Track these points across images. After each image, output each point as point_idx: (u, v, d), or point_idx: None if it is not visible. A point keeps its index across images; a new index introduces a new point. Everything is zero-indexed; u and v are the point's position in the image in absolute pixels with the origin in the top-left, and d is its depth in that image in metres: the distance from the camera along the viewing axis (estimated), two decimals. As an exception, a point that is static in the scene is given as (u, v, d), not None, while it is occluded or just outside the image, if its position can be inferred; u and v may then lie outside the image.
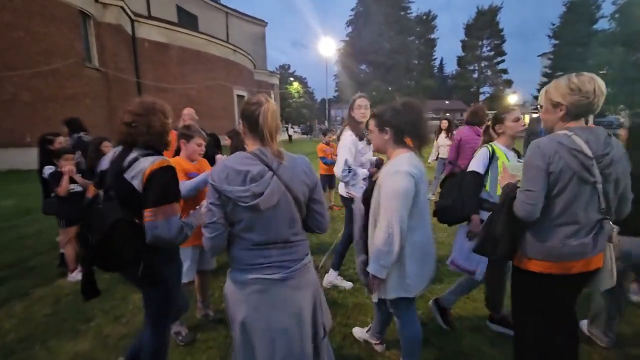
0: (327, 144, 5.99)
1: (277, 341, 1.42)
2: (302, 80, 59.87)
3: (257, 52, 28.57)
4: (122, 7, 14.35)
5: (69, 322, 2.71)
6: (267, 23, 31.21)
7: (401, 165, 1.62)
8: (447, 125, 6.55)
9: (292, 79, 54.25)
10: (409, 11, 33.53)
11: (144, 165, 1.51)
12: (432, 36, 42.89)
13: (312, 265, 1.59)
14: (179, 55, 17.69)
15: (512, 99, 38.54)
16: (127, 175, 1.52)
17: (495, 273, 2.31)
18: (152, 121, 1.57)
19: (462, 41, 45.03)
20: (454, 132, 6.32)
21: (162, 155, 1.63)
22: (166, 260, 1.68)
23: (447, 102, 45.02)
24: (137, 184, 1.50)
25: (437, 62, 48.97)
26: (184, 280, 2.39)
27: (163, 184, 1.51)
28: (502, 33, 43.05)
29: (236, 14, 27.96)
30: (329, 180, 5.97)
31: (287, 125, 28.04)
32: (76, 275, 3.38)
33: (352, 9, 32.17)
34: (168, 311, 1.77)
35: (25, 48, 10.60)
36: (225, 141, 4.29)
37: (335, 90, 38.27)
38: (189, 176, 2.38)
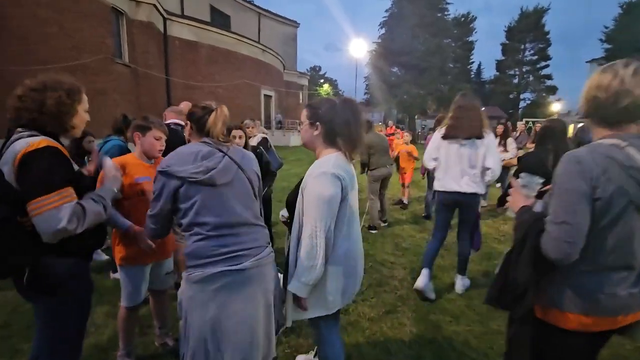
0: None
1: (245, 336, 1.36)
2: (332, 83, 59.64)
3: (288, 53, 28.50)
4: (154, 6, 14.57)
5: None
6: (299, 24, 31.12)
7: (327, 167, 1.48)
8: (502, 130, 5.66)
9: (322, 80, 54.14)
10: (446, 12, 32.19)
11: (16, 148, 1.27)
12: (470, 39, 41.11)
13: (273, 256, 1.55)
14: (208, 54, 17.82)
15: (555, 107, 36.01)
16: (0, 164, 1.29)
17: (523, 333, 1.57)
18: (47, 97, 1.33)
19: (502, 44, 42.71)
20: (512, 139, 5.69)
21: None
22: (67, 264, 1.40)
23: (483, 108, 42.23)
24: (7, 171, 1.26)
25: (474, 67, 46.85)
26: (132, 303, 1.99)
27: (40, 170, 1.25)
28: (547, 36, 40.36)
29: (268, 15, 28.06)
30: None
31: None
32: None
33: (386, 10, 31.32)
34: (69, 334, 1.46)
35: (57, 43, 10.88)
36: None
37: (365, 93, 37.58)
38: (137, 181, 1.96)
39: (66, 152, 1.38)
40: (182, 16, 17.53)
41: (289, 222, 1.78)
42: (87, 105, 1.53)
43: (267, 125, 22.66)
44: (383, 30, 31.71)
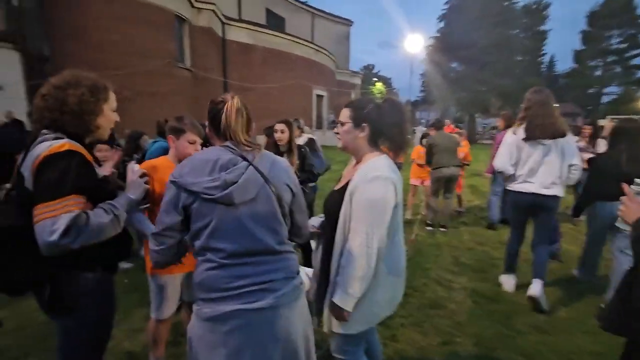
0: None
1: None
2: (386, 81, 58.14)
3: (341, 52, 28.26)
4: (214, 11, 15.28)
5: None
6: (352, 22, 30.73)
7: (380, 170, 1.41)
8: (591, 132, 4.92)
9: (375, 79, 53.05)
10: (514, 1, 29.39)
11: (37, 151, 1.17)
12: (542, 28, 37.13)
13: (304, 289, 1.29)
14: (262, 56, 18.25)
15: (649, 101, 31.15)
16: (22, 167, 1.21)
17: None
18: (68, 95, 1.23)
19: (582, 32, 37.85)
20: (603, 140, 4.90)
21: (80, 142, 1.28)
22: (83, 280, 1.27)
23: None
24: (27, 176, 1.18)
25: (546, 59, 42.27)
26: (161, 315, 1.86)
27: (56, 174, 1.14)
28: (638, 20, 34.97)
29: (322, 14, 28.09)
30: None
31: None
32: None
33: (446, 2, 29.49)
34: (80, 357, 1.35)
35: (126, 50, 11.85)
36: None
37: (421, 91, 35.84)
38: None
39: (89, 157, 1.27)
40: (240, 20, 18.17)
41: (318, 233, 1.65)
42: (114, 105, 1.42)
43: (319, 125, 22.67)
44: (442, 24, 29.94)
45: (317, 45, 22.28)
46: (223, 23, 16.58)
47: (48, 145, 1.18)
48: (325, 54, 23.10)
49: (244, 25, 17.73)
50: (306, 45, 21.13)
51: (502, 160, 3.05)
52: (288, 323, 1.16)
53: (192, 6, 14.40)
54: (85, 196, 1.20)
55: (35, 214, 1.10)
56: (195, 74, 14.67)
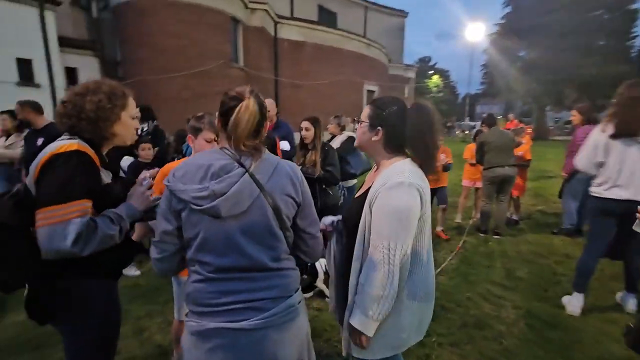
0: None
1: None
2: (443, 74, 55.04)
3: (395, 45, 27.33)
4: (266, 11, 15.66)
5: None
6: (407, 13, 29.49)
7: (404, 175, 1.23)
8: None
9: (431, 72, 50.55)
10: (597, -24, 25.75)
11: (46, 150, 1.17)
12: (634, 6, 32.16)
13: (303, 308, 1.20)
14: (312, 52, 18.31)
15: None
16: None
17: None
18: (86, 102, 1.23)
19: (686, 9, 32.14)
20: None
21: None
22: (83, 287, 1.24)
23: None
24: (30, 174, 1.17)
25: (637, 42, 36.57)
26: (183, 317, 1.86)
27: (64, 174, 1.11)
28: None
29: (375, 7, 27.34)
30: None
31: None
32: None
33: (513, -15, 26.90)
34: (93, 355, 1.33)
35: (188, 52, 12.64)
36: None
37: (482, 83, 33.26)
38: None
39: (97, 161, 1.25)
40: (291, 18, 18.42)
41: (331, 232, 1.51)
42: (133, 112, 1.40)
43: (369, 121, 22.21)
44: (508, 9, 27.39)
45: (368, 39, 21.79)
46: (275, 22, 16.93)
47: (57, 144, 1.17)
48: (377, 48, 22.51)
49: (295, 22, 17.93)
50: (357, 40, 20.76)
51: (585, 159, 2.71)
52: (278, 346, 1.05)
53: (246, 7, 14.89)
54: (92, 200, 1.18)
55: (41, 217, 1.08)
56: (248, 73, 15.18)
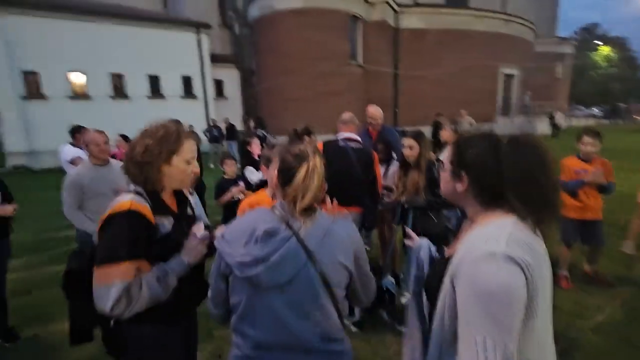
0: None
1: None
2: (618, 43, 42.77)
3: (544, 16, 22.76)
4: (387, 3, 15.12)
5: None
6: (564, -26, 24.00)
7: (497, 244, 0.81)
8: None
9: (599, 42, 39.98)
10: None
11: (109, 206, 1.21)
12: None
13: None
14: (435, 39, 16.83)
15: None
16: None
17: None
18: (137, 145, 1.24)
19: None
20: None
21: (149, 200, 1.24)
22: (137, 332, 1.26)
23: None
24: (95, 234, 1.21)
25: None
26: None
27: (112, 236, 1.14)
28: None
29: (518, -26, 23.20)
30: None
31: (551, 112, 19.90)
32: None
33: None
34: None
35: (310, 55, 13.34)
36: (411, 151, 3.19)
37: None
38: None
39: (151, 216, 1.21)
40: (414, 5, 17.30)
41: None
42: (189, 155, 1.29)
43: (505, 111, 19.16)
44: None
45: (507, 14, 18.65)
46: (396, 12, 16.20)
47: (116, 201, 1.19)
48: (519, 23, 19.09)
49: (418, 9, 16.77)
50: (492, 18, 18.02)
51: None
52: None
53: (366, 1, 14.69)
54: (140, 260, 1.17)
55: (95, 275, 1.12)
56: (366, 69, 15.05)
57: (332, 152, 2.43)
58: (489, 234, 0.88)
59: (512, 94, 19.97)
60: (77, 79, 12.43)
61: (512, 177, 0.90)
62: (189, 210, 1.41)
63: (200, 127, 11.82)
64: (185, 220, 1.35)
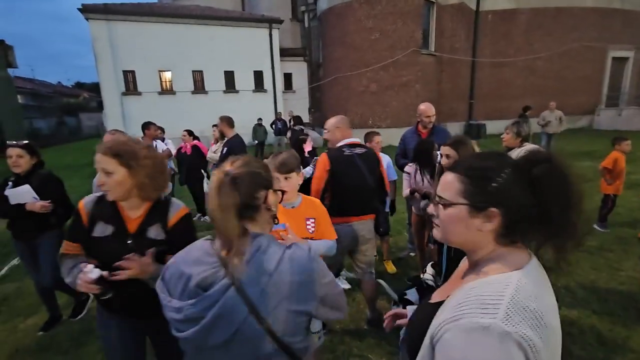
0: None
1: None
2: None
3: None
4: (467, -18, 13.73)
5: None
6: None
7: (495, 312, 0.64)
8: None
9: None
10: None
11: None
12: None
13: None
14: (528, 20, 14.75)
15: None
16: None
17: None
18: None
19: None
20: None
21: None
22: None
23: None
24: None
25: None
26: None
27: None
28: None
29: None
30: None
31: None
32: None
33: None
34: None
35: (378, 46, 12.82)
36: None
37: None
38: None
39: (84, 215, 1.39)
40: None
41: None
42: (99, 167, 1.30)
43: (613, 102, 16.11)
44: None
45: (624, -16, 15.47)
46: (478, -7, 14.60)
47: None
48: (639, -6, 15.72)
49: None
50: (603, -10, 15.13)
51: None
52: None
53: (442, -16, 13.54)
54: (75, 243, 1.40)
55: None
56: (439, 57, 13.95)
57: (341, 164, 2.29)
58: (487, 295, 0.69)
59: (625, 80, 16.65)
60: (165, 76, 13.91)
61: (552, 206, 0.74)
62: (152, 233, 1.34)
63: (269, 119, 12.33)
64: (139, 237, 1.33)
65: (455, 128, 14.56)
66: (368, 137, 3.32)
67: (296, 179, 1.66)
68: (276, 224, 1.77)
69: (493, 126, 13.89)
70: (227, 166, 0.92)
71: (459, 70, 14.38)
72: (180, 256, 0.93)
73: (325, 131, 2.49)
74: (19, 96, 26.36)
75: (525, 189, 0.75)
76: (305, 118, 13.52)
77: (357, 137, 2.48)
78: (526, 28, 14.81)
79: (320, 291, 0.89)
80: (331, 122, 2.47)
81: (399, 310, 1.15)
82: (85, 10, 12.39)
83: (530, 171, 0.75)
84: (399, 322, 1.11)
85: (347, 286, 3.16)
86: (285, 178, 1.61)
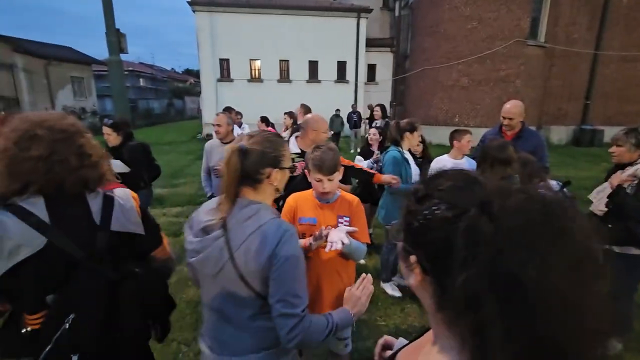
0: None
1: None
2: None
3: None
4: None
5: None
6: None
7: None
8: None
9: None
10: None
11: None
12: None
13: None
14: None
15: None
16: None
17: None
18: None
19: None
20: None
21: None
22: None
23: None
24: None
25: None
26: None
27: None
28: None
29: None
30: None
31: None
32: None
33: None
34: None
35: (475, 36, 11.59)
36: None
37: None
38: (300, 222, 1.58)
39: None
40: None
41: None
42: None
43: None
44: None
45: None
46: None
47: None
48: None
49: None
50: None
51: None
52: None
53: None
54: None
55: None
56: (550, 50, 12.02)
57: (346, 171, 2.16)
58: None
59: None
60: (255, 64, 14.76)
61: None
62: None
63: (347, 111, 12.21)
64: None
65: (561, 133, 12.55)
66: (456, 135, 2.85)
67: (337, 177, 1.56)
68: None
69: (612, 133, 11.51)
70: (244, 139, 1.05)
71: (576, 64, 12.23)
72: (203, 206, 1.16)
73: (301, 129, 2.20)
74: (141, 79, 31.03)
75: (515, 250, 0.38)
76: (388, 112, 13.00)
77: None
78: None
79: (278, 264, 0.97)
80: (309, 120, 2.19)
81: (388, 339, 0.92)
82: (193, 3, 13.77)
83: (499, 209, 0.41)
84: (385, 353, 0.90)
85: (397, 294, 2.89)
86: (329, 180, 1.53)
